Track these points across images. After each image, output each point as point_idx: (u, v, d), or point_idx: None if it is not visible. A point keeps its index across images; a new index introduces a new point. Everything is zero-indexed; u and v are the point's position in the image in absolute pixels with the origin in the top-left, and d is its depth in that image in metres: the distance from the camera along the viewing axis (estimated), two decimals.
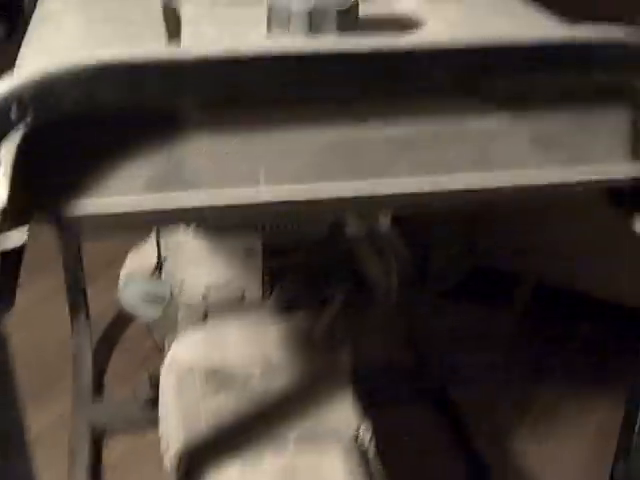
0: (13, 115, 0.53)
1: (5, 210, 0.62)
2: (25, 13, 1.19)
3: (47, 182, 0.62)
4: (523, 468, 1.41)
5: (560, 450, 1.45)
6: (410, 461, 1.35)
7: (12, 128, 0.54)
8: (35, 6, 0.84)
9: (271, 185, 0.65)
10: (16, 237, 0.60)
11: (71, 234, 1.31)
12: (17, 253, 0.65)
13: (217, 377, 1.04)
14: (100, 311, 1.71)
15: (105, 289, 1.67)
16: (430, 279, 1.63)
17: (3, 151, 0.61)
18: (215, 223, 1.05)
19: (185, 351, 1.11)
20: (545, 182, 0.70)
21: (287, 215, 0.85)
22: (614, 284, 1.55)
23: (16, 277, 0.67)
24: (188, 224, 1.08)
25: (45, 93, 0.53)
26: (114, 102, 0.57)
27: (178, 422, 0.98)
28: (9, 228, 0.61)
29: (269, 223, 1.10)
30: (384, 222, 1.20)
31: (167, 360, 1.10)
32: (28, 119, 0.54)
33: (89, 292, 1.63)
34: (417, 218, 1.47)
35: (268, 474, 0.91)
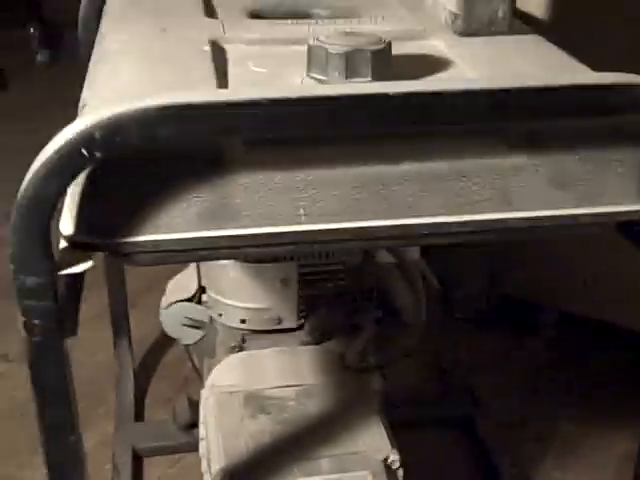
0: (85, 152, 0.60)
1: (72, 241, 0.69)
2: (68, 40, 1.26)
3: (108, 217, 0.69)
4: None
5: None
6: None
7: (84, 165, 0.61)
8: (85, 36, 0.90)
9: (310, 222, 0.71)
10: (81, 264, 0.67)
11: (127, 264, 1.37)
12: (79, 280, 0.72)
13: (255, 401, 1.10)
14: (141, 335, 1.77)
15: (146, 313, 1.74)
16: (457, 308, 1.68)
17: (72, 187, 0.67)
18: (257, 257, 1.11)
19: (225, 375, 1.17)
20: (561, 222, 0.75)
21: (323, 249, 0.91)
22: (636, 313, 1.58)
23: (78, 302, 0.74)
24: (233, 259, 1.14)
25: (113, 133, 0.60)
26: (171, 142, 0.64)
27: (219, 443, 1.04)
28: (75, 257, 0.68)
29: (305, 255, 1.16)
30: (414, 252, 1.25)
31: (208, 383, 1.16)
32: (97, 156, 0.60)
33: (132, 316, 1.69)
34: (445, 249, 1.52)
35: None
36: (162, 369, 1.73)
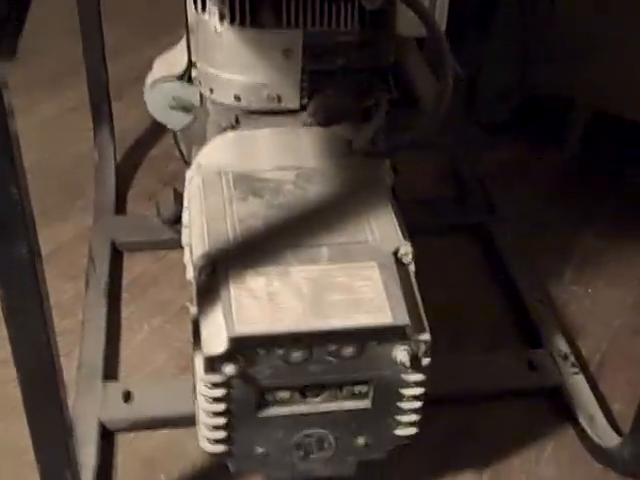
0: None
1: None
2: None
3: None
4: (563, 306, 1.33)
5: (602, 295, 1.37)
6: (445, 291, 1.29)
7: None
8: None
9: None
10: None
11: None
12: None
13: (247, 182, 0.96)
14: (126, 128, 1.64)
15: (132, 106, 1.61)
16: (478, 110, 1.51)
17: None
18: None
19: (214, 154, 1.03)
20: None
21: None
22: None
23: (21, 21, 0.59)
24: None
25: None
26: None
27: (203, 228, 0.90)
28: None
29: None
30: (438, 33, 1.07)
31: (194, 163, 1.02)
32: None
33: (116, 108, 1.55)
34: (469, 40, 1.35)
35: (296, 285, 0.83)
36: (147, 164, 1.61)
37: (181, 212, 1.07)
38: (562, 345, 1.21)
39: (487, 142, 1.60)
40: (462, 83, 1.20)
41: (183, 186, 1.04)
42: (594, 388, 1.17)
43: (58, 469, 0.85)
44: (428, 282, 0.88)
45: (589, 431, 1.10)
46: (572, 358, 1.19)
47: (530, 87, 1.54)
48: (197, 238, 0.90)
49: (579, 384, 1.16)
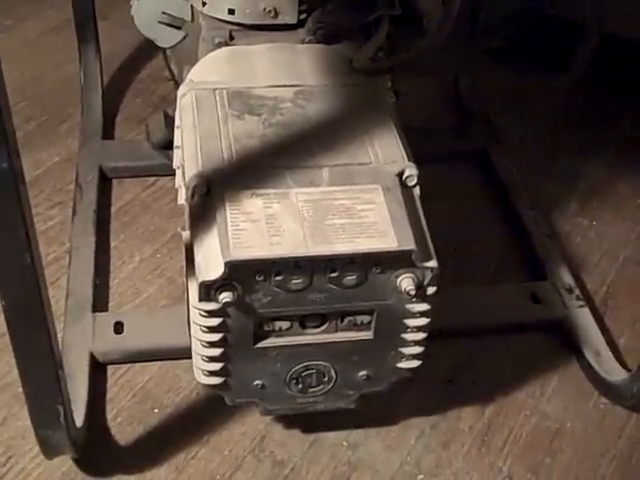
0: None
1: None
2: None
3: None
4: (568, 238, 1.29)
5: (608, 228, 1.32)
6: (447, 222, 1.23)
7: None
8: None
9: None
10: None
11: None
12: None
13: (243, 99, 0.90)
14: (113, 50, 1.56)
15: (120, 27, 1.55)
16: (481, 34, 1.45)
17: None
18: None
19: (207, 70, 0.97)
20: None
21: None
22: None
23: None
24: None
25: None
26: None
27: (196, 147, 0.84)
28: None
29: None
30: None
31: (186, 80, 0.96)
32: None
33: (102, 29, 1.47)
34: None
35: (296, 208, 0.78)
36: (136, 88, 1.54)
37: (172, 136, 1.02)
38: (567, 278, 1.16)
39: (490, 68, 1.53)
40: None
41: (174, 109, 0.98)
42: (600, 322, 1.13)
43: (48, 403, 0.80)
44: (429, 212, 0.83)
45: (595, 366, 1.06)
46: (577, 291, 1.14)
47: (536, 9, 1.48)
48: (190, 158, 0.84)
49: (584, 317, 1.12)
